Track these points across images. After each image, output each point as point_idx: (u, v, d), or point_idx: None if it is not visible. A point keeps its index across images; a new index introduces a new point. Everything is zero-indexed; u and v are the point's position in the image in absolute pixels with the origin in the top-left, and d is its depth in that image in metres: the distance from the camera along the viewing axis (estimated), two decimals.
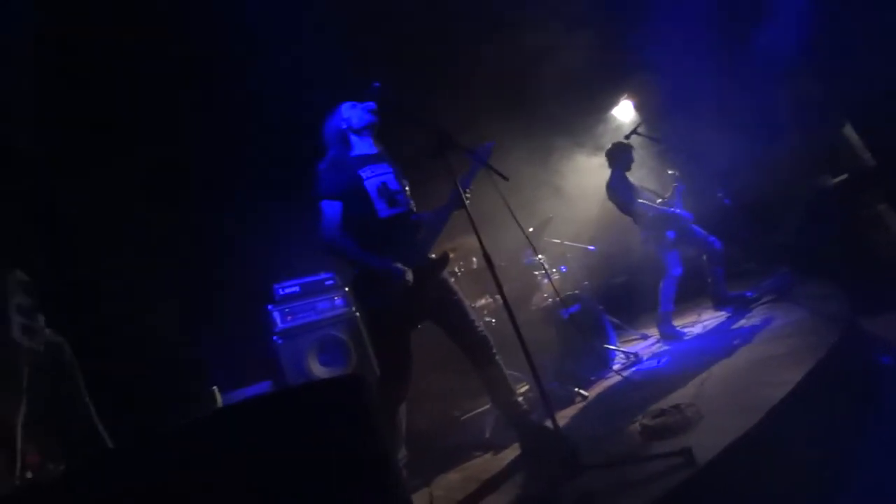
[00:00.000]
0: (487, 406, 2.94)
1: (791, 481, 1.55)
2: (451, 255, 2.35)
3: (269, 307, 3.23)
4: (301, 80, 3.50)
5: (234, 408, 1.51)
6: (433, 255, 2.22)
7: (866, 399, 2.01)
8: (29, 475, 1.98)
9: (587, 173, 4.86)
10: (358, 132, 2.26)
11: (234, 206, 3.61)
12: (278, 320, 3.20)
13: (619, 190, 3.88)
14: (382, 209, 2.14)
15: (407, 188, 2.30)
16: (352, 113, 2.28)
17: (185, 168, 3.57)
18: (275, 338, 3.14)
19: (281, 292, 3.36)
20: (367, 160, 2.23)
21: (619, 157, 3.99)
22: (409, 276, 2.00)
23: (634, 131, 4.16)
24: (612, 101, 5.55)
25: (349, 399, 1.01)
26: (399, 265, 2.00)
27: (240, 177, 3.73)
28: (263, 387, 3.09)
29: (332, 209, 2.10)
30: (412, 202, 2.29)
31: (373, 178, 2.18)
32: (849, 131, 4.14)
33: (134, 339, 2.84)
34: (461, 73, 4.46)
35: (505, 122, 4.38)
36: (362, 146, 2.27)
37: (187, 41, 3.36)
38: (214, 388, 2.74)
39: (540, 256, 3.64)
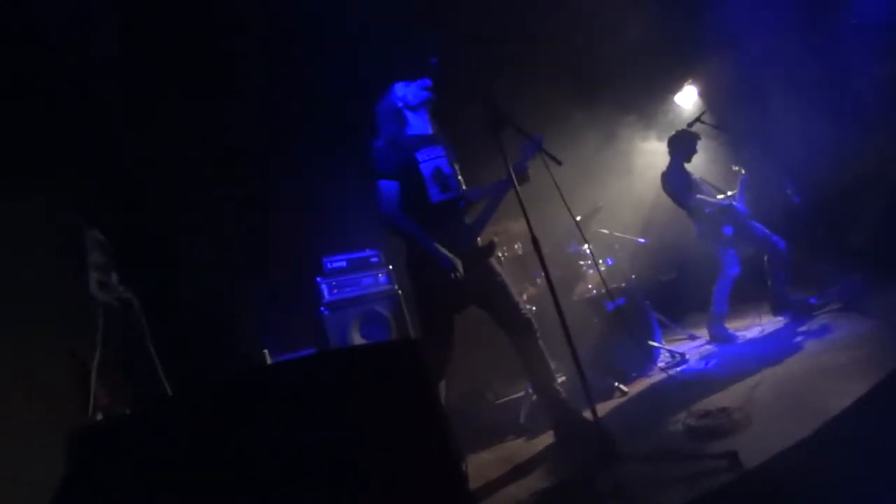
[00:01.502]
0: (523, 392, 2.95)
1: (839, 497, 1.46)
2: (496, 240, 2.34)
3: (319, 279, 3.36)
4: (353, 55, 3.53)
5: (293, 362, 1.58)
6: (480, 242, 2.22)
7: None
8: (99, 416, 2.20)
9: (654, 156, 4.57)
10: (414, 108, 2.26)
11: (289, 178, 3.75)
12: (326, 292, 3.32)
13: (675, 181, 3.69)
14: (435, 194, 2.16)
15: (458, 172, 2.30)
16: (406, 91, 2.28)
17: (254, 137, 3.70)
18: (322, 308, 3.26)
19: (329, 265, 3.47)
20: (422, 141, 2.24)
21: (680, 145, 3.78)
22: (460, 268, 2.03)
23: (698, 119, 3.92)
24: (677, 86, 5.22)
25: (407, 360, 1.04)
26: (451, 257, 2.03)
27: (301, 152, 3.84)
28: (308, 353, 3.23)
29: (389, 188, 2.13)
30: (463, 187, 2.29)
31: (427, 162, 2.19)
32: None
33: (195, 300, 3.05)
34: (520, 51, 4.32)
35: (566, 102, 4.25)
36: (418, 125, 2.28)
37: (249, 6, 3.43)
38: (266, 350, 2.89)
39: (587, 246, 3.55)
